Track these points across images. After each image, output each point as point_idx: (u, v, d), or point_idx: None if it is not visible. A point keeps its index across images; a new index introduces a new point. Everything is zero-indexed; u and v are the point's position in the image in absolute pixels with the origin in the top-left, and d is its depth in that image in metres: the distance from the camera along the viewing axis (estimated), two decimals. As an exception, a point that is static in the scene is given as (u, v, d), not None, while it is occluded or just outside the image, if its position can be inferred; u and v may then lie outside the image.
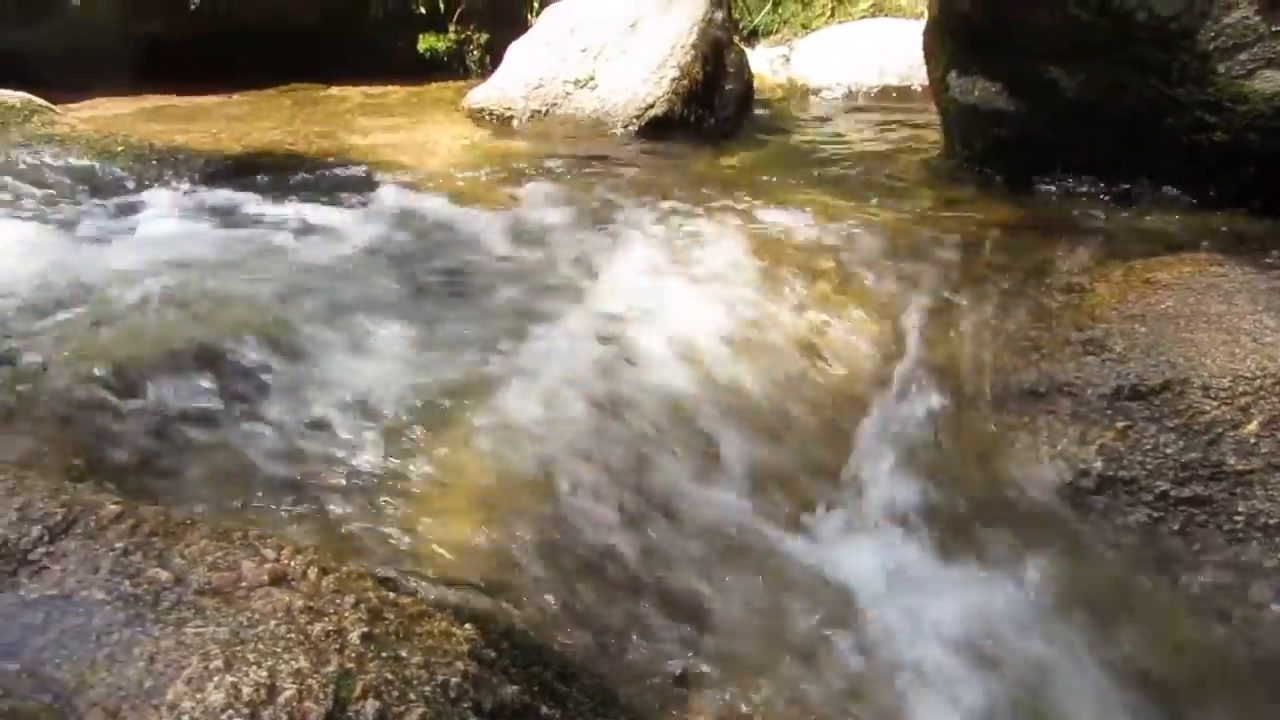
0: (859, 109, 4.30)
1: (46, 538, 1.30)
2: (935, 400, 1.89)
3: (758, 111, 4.03)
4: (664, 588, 1.51)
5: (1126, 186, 2.76)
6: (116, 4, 4.24)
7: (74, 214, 2.94)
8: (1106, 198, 2.73)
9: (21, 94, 3.72)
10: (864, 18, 4.80)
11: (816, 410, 1.94)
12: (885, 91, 4.38)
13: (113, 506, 1.37)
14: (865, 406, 1.91)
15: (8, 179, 3.19)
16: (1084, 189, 2.80)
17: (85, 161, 3.35)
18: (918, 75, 4.16)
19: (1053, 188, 2.83)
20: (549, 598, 1.45)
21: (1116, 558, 1.70)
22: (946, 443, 1.82)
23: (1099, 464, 1.74)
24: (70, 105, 4.00)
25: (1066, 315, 1.97)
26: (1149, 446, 1.70)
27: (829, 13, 4.95)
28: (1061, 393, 1.84)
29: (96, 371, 1.93)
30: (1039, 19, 2.70)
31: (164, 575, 1.28)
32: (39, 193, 3.12)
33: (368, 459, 1.72)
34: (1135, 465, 1.71)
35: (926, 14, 3.73)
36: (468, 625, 1.37)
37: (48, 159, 3.36)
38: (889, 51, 4.39)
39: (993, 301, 2.15)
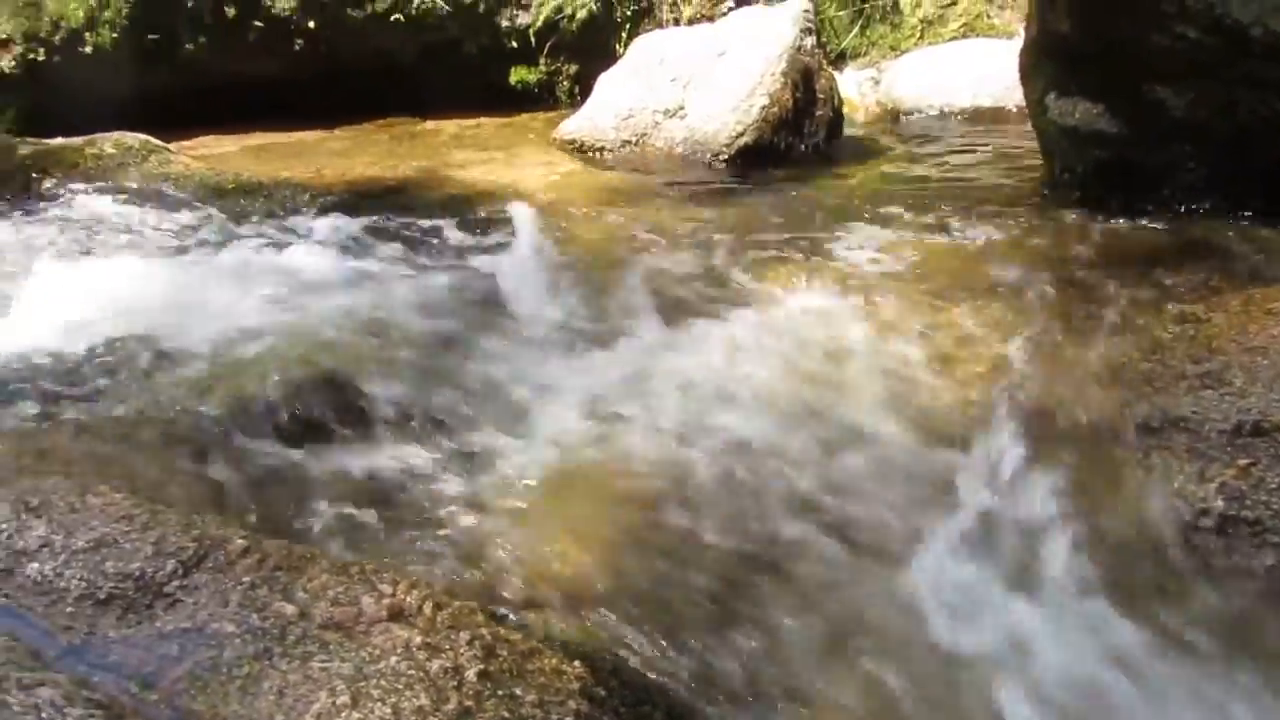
0: (952, 132, 4.24)
1: (180, 571, 1.37)
2: (1041, 436, 1.84)
3: (848, 136, 4.00)
4: (771, 625, 1.51)
5: (1239, 209, 2.66)
6: (225, 48, 4.44)
7: (190, 248, 3.09)
8: (1218, 221, 2.63)
9: (140, 135, 3.93)
10: (955, 39, 4.73)
11: (917, 446, 1.91)
12: (979, 113, 4.31)
13: (240, 541, 1.43)
14: (967, 442, 1.87)
15: (128, 216, 3.37)
16: (1194, 212, 2.71)
17: (199, 198, 3.52)
18: (1013, 96, 4.07)
19: (1160, 211, 2.74)
20: (658, 635, 1.46)
21: (1240, 601, 1.63)
22: (1056, 480, 1.77)
23: (1220, 503, 1.67)
24: (183, 144, 4.19)
25: (1181, 347, 1.91)
26: (1274, 485, 1.63)
27: (919, 34, 4.89)
28: (1178, 428, 1.77)
29: (217, 400, 2.03)
30: (1144, 38, 2.63)
31: (289, 609, 1.33)
32: (157, 229, 3.28)
33: (481, 491, 1.76)
34: (1259, 505, 1.64)
35: (1023, 35, 3.68)
36: (577, 662, 1.39)
37: (165, 196, 3.54)
38: (982, 72, 4.31)
39: (1101, 332, 2.10)
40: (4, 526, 1.42)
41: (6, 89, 4.19)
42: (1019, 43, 3.96)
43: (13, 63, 4.18)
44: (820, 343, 2.08)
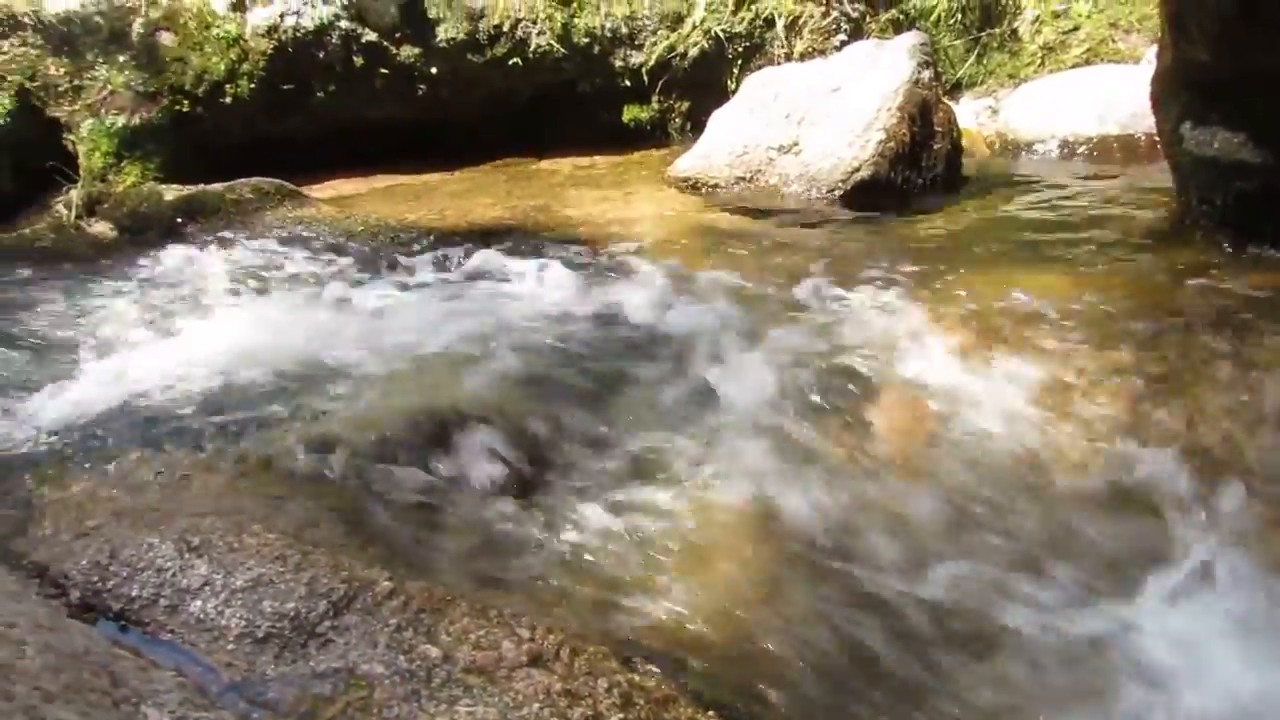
0: (1076, 163, 4.11)
1: (331, 612, 1.42)
2: (1192, 488, 1.76)
3: (967, 169, 3.92)
4: (908, 680, 1.47)
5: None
6: (353, 95, 4.64)
7: (322, 289, 3.22)
8: (1376, 256, 2.49)
9: (274, 180, 4.14)
10: (1077, 66, 4.59)
11: (1047, 504, 1.84)
12: (1105, 142, 4.16)
13: (386, 583, 1.48)
14: (1162, 492, 1.79)
15: (264, 258, 3.55)
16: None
17: (329, 240, 3.68)
18: (1141, 124, 3.94)
19: (1310, 242, 2.61)
20: (792, 688, 1.44)
21: None
22: (1210, 531, 1.69)
23: None
24: (313, 186, 4.39)
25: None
26: None
27: (1039, 61, 4.77)
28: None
29: (353, 437, 2.10)
30: (1290, 65, 2.52)
31: (434, 652, 1.37)
32: (291, 270, 3.44)
33: (616, 532, 1.77)
34: None
35: (1152, 61, 3.56)
36: (711, 712, 1.39)
37: (299, 239, 3.72)
38: (1108, 99, 4.16)
39: (1247, 379, 1.99)
40: (169, 565, 1.50)
41: (155, 138, 4.46)
42: (1147, 69, 3.83)
43: (160, 114, 4.44)
44: (964, 390, 2.03)
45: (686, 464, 1.92)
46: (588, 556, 1.74)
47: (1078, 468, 1.83)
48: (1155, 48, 3.60)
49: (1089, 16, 4.75)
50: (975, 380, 2.05)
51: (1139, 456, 1.82)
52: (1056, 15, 4.79)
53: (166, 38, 4.45)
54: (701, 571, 1.69)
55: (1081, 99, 4.26)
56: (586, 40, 4.78)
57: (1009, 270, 2.59)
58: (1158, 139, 3.31)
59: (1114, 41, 4.66)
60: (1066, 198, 3.48)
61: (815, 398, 2.06)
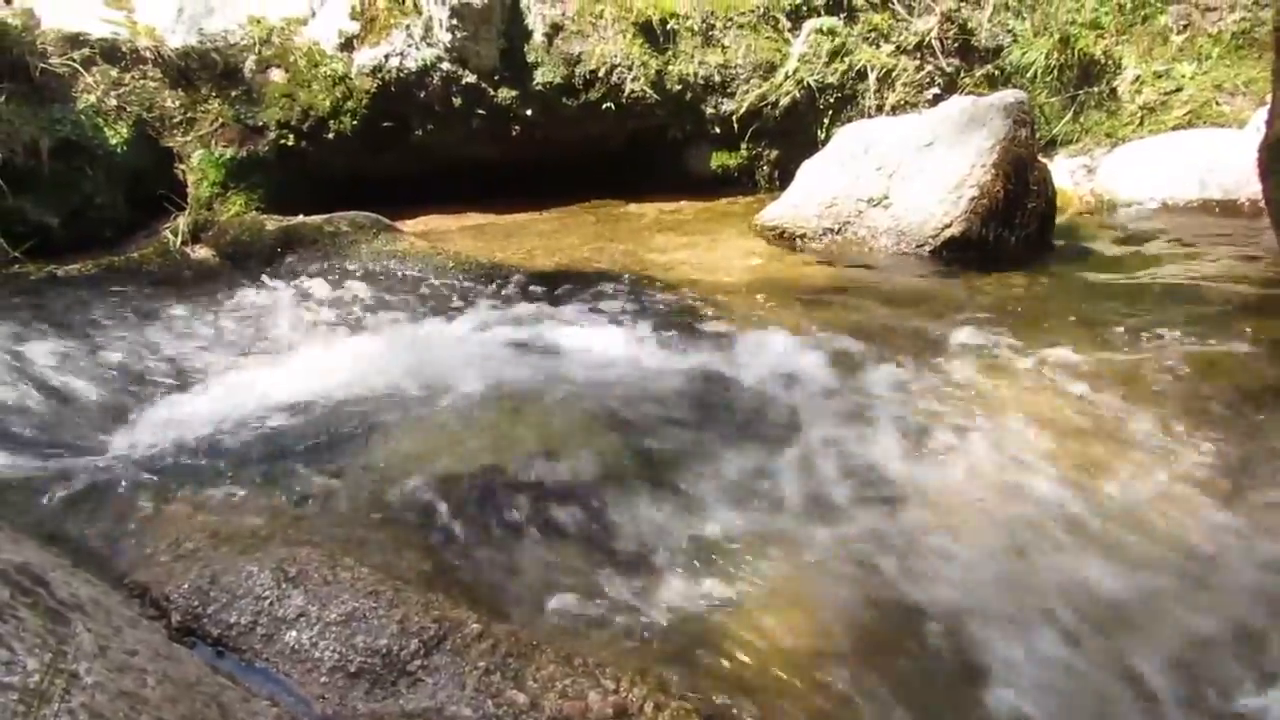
0: (1176, 226, 4.00)
1: (422, 650, 1.44)
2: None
3: (1061, 228, 3.85)
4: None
5: None
6: (450, 134, 4.76)
7: (413, 324, 3.30)
8: None
9: (370, 215, 4.25)
10: (1179, 127, 4.49)
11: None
12: (1206, 206, 4.05)
13: (475, 625, 1.50)
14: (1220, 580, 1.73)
15: (360, 291, 3.64)
16: None
17: (422, 275, 3.77)
18: (1245, 188, 3.84)
19: None
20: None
21: None
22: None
23: None
24: (406, 221, 4.50)
25: None
26: None
27: (1138, 121, 4.68)
28: None
29: (440, 478, 2.13)
30: None
31: (520, 699, 1.37)
32: (383, 303, 3.53)
33: (701, 577, 1.77)
34: None
35: (1259, 126, 3.47)
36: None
37: (391, 273, 3.81)
38: (1210, 163, 4.06)
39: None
40: (267, 594, 1.53)
41: (259, 170, 4.64)
42: (1252, 132, 3.74)
43: (266, 147, 4.62)
44: (1047, 457, 1.99)
45: (770, 519, 1.91)
46: (671, 607, 1.73)
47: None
48: (1262, 112, 3.51)
49: (1192, 78, 4.65)
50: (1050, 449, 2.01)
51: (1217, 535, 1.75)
52: (1158, 76, 4.71)
53: (276, 74, 4.64)
54: (790, 629, 1.66)
55: (1182, 162, 4.17)
56: (679, 87, 4.85)
57: (1097, 334, 2.53)
58: (1263, 206, 3.22)
59: (1217, 104, 4.55)
60: (1166, 262, 3.39)
61: (900, 466, 2.04)
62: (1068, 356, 2.45)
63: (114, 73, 4.44)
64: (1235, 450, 1.99)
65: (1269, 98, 3.04)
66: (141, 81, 4.51)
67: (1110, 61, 4.84)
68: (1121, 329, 2.64)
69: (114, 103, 4.40)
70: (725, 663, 1.62)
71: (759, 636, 1.67)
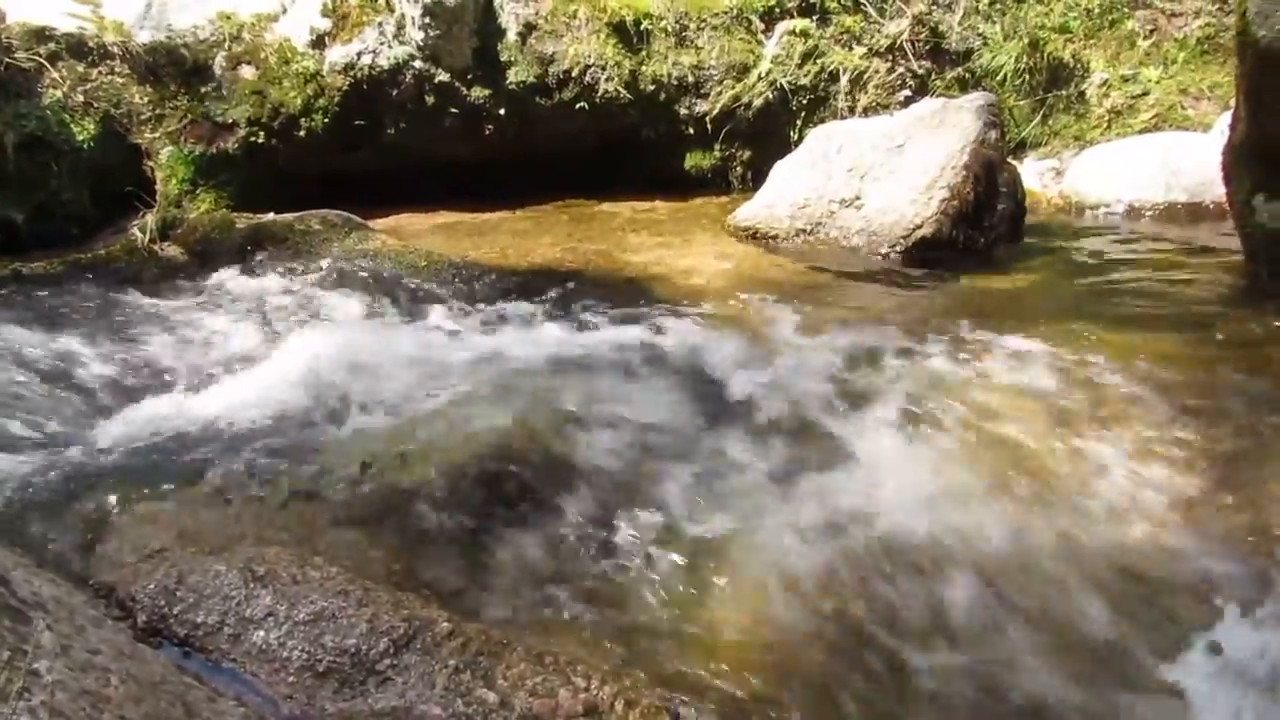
0: (1142, 228, 4.06)
1: (391, 650, 1.43)
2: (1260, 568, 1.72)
3: (1030, 229, 3.88)
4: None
5: None
6: (423, 133, 4.74)
7: (384, 323, 3.28)
8: None
9: (341, 213, 4.22)
10: (1145, 130, 4.55)
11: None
12: (1172, 208, 4.11)
13: (445, 624, 1.49)
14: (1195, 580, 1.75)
15: (327, 289, 3.61)
16: None
17: (393, 274, 3.74)
18: (1210, 192, 3.90)
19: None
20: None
21: None
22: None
23: None
24: (377, 220, 4.46)
25: None
26: None
27: (1105, 124, 4.74)
28: None
29: (409, 477, 2.12)
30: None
31: (491, 697, 1.37)
32: (352, 301, 3.50)
33: (660, 582, 1.77)
34: None
35: (1222, 129, 3.52)
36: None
37: (362, 271, 3.78)
38: (1176, 166, 4.12)
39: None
40: (234, 594, 1.52)
41: (229, 168, 4.59)
42: (1217, 137, 3.79)
43: (236, 144, 4.58)
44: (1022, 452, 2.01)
45: (747, 514, 1.91)
46: (643, 604, 1.73)
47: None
48: (1226, 116, 3.57)
49: (1158, 82, 4.72)
50: (1027, 445, 2.03)
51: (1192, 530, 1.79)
52: (1126, 79, 4.77)
53: (247, 71, 4.60)
54: (760, 623, 1.67)
55: (1149, 164, 4.23)
56: (653, 87, 4.86)
57: (1065, 332, 2.56)
58: (1228, 208, 3.27)
59: (1183, 108, 4.62)
60: (1132, 264, 3.44)
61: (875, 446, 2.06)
62: (1035, 352, 2.47)
63: (81, 68, 4.39)
64: (1200, 443, 2.03)
65: (1233, 102, 3.09)
66: (109, 77, 4.46)
67: (1079, 65, 4.90)
68: (1090, 326, 2.67)
69: (81, 98, 4.35)
70: (695, 660, 1.63)
71: (729, 633, 1.68)
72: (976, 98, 3.85)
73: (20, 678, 0.70)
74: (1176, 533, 1.80)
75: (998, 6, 5.10)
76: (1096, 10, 4.99)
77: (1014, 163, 4.21)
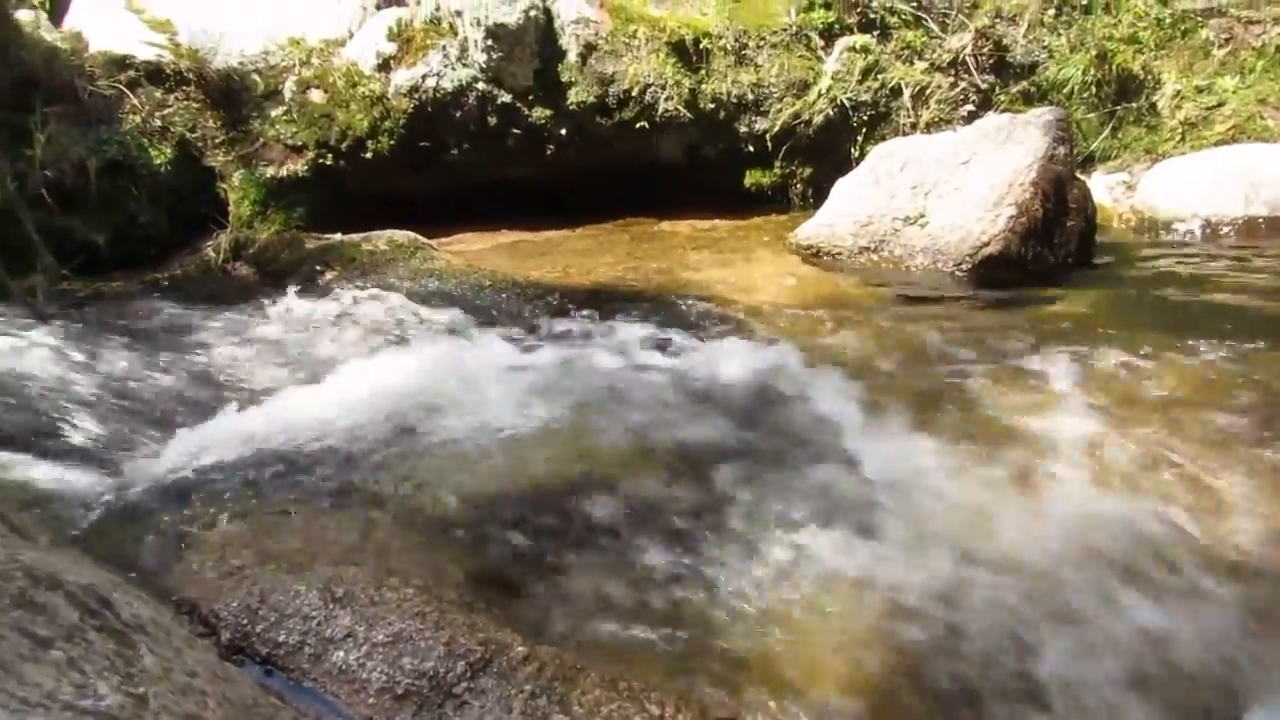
0: (1219, 244, 3.94)
1: (468, 673, 1.44)
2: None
3: (1101, 246, 3.80)
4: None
5: None
6: (486, 154, 4.80)
7: (452, 342, 3.31)
8: None
9: (408, 233, 4.29)
10: (1221, 142, 4.43)
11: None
12: (1252, 223, 3.99)
13: (520, 648, 1.50)
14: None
15: (396, 308, 3.66)
16: None
17: (459, 293, 3.79)
18: (1292, 205, 3.78)
19: None
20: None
21: None
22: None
23: None
24: (442, 240, 4.52)
25: None
26: None
27: (1178, 137, 4.63)
28: None
29: (480, 498, 2.14)
30: None
31: (567, 723, 1.37)
32: (422, 322, 3.55)
33: (742, 601, 1.76)
34: None
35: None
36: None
37: (429, 291, 3.84)
38: (1256, 178, 3.99)
39: None
40: (314, 614, 1.54)
41: (299, 189, 4.70)
42: (1299, 148, 3.69)
43: (305, 166, 4.68)
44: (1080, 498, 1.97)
45: (819, 540, 1.89)
46: (717, 630, 1.72)
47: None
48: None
49: (1235, 92, 4.60)
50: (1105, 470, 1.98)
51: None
52: (1199, 90, 4.66)
53: (316, 95, 4.70)
54: (834, 650, 1.65)
55: (1226, 177, 4.11)
56: (712, 106, 4.86)
57: (1141, 355, 2.49)
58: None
59: (1262, 118, 4.49)
60: (1210, 282, 3.34)
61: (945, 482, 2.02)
62: (1110, 375, 2.42)
63: (158, 94, 4.53)
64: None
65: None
66: (185, 103, 4.59)
67: (1149, 77, 4.80)
68: (1166, 347, 2.60)
69: (158, 124, 4.49)
70: (772, 687, 1.61)
71: (809, 660, 1.66)
72: (1044, 113, 3.78)
73: (132, 703, 0.72)
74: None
75: (1063, 19, 5.02)
76: (1168, 21, 4.88)
77: (1083, 177, 4.13)
